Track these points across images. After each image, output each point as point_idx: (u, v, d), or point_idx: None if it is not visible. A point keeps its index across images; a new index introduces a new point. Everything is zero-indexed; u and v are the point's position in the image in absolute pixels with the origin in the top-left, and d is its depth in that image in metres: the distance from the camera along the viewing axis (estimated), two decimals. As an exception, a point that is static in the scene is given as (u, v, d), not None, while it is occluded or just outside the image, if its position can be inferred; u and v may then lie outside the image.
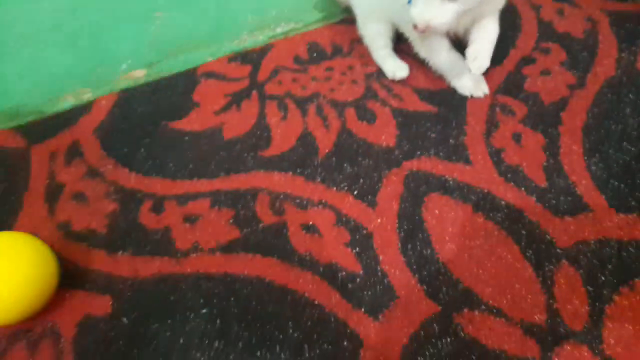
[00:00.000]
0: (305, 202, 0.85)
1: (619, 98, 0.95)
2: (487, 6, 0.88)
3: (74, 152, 0.94)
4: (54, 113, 1.00)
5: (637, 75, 0.98)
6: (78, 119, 0.99)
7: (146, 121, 0.98)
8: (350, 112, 0.98)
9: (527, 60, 1.04)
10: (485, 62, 0.90)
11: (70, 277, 0.78)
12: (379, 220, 0.81)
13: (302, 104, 1.01)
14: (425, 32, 0.81)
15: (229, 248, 0.80)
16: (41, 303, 0.70)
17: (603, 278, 0.73)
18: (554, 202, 0.82)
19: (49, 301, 0.73)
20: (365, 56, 1.08)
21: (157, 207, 0.86)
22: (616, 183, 0.83)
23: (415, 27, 0.80)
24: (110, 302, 0.75)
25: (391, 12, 0.97)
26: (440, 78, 1.01)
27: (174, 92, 1.03)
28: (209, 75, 1.07)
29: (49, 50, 0.92)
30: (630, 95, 0.95)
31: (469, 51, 0.90)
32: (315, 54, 1.10)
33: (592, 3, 1.14)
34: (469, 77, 0.97)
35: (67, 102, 1.01)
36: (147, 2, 0.93)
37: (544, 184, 0.84)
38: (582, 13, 1.12)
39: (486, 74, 1.01)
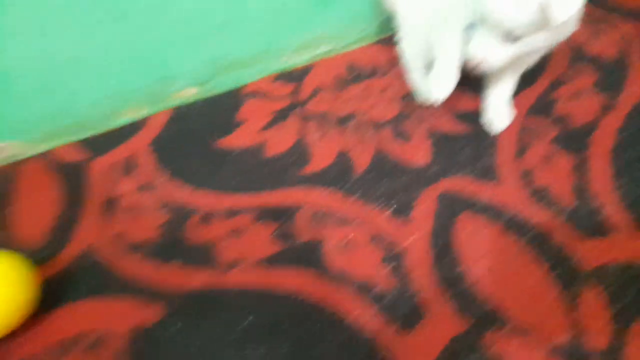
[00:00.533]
0: (343, 218, 0.91)
1: (650, 121, 0.98)
2: (536, 51, 0.88)
3: (131, 165, 1.02)
4: (112, 128, 1.09)
5: (669, 99, 1.01)
6: (135, 133, 1.07)
7: (197, 137, 1.06)
8: (387, 131, 1.03)
9: (559, 82, 1.07)
10: (509, 116, 0.99)
11: (124, 286, 0.85)
12: (413, 237, 0.87)
13: (340, 122, 1.06)
14: (477, 68, 0.83)
15: (270, 262, 0.86)
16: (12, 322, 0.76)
17: (628, 299, 0.77)
18: (582, 223, 0.85)
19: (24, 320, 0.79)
20: (402, 77, 1.13)
21: (206, 219, 0.93)
22: (644, 206, 0.86)
23: (469, 61, 0.83)
24: (162, 310, 0.83)
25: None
26: (473, 97, 1.05)
27: (223, 109, 1.11)
28: (255, 93, 1.14)
29: (113, 68, 1.00)
30: (662, 118, 0.98)
31: (488, 111, 0.99)
32: (354, 74, 1.16)
33: (624, 25, 1.16)
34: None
35: (126, 117, 1.10)
36: (205, 24, 1.01)
37: (572, 205, 0.88)
38: (615, 34, 1.14)
39: (517, 95, 1.05)
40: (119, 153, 1.05)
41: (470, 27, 0.82)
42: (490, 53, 0.80)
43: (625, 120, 0.99)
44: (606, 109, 1.01)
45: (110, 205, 0.97)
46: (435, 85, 0.91)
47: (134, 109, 1.09)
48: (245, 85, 1.16)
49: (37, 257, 0.89)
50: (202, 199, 0.96)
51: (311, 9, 1.10)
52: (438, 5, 0.94)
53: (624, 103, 1.01)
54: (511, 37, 0.78)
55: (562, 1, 0.70)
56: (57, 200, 0.98)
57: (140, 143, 1.06)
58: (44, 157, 1.05)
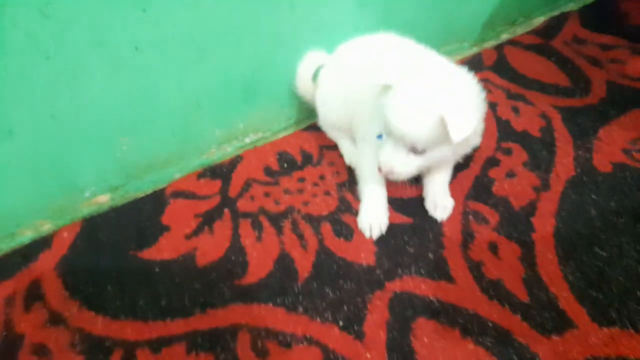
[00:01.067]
0: (289, 339, 0.81)
1: (583, 199, 0.99)
2: (445, 162, 0.95)
3: (34, 294, 0.87)
4: (10, 250, 0.93)
5: (596, 174, 1.03)
6: (38, 254, 0.92)
7: (112, 252, 0.93)
8: (327, 228, 0.97)
9: (492, 162, 1.07)
10: (449, 206, 0.97)
11: None
12: (368, 355, 0.78)
13: (276, 220, 0.99)
14: (387, 176, 0.86)
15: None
16: None
17: (598, 403, 0.73)
18: (539, 319, 0.82)
19: None
20: (336, 164, 1.08)
21: (128, 356, 0.79)
22: (594, 293, 0.85)
23: (379, 168, 0.85)
24: None
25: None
26: (410, 186, 1.02)
27: (142, 216, 0.99)
28: (178, 194, 1.04)
29: (4, 182, 0.86)
30: (593, 196, 0.99)
31: (428, 202, 0.98)
32: (285, 164, 1.09)
33: (543, 99, 1.21)
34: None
35: (25, 236, 0.94)
36: (112, 127, 0.90)
37: (526, 298, 0.84)
38: (535, 110, 1.18)
39: (455, 178, 1.03)
40: (20, 279, 0.89)
41: (380, 137, 0.86)
42: (397, 164, 0.83)
43: (560, 201, 0.99)
44: (540, 189, 1.01)
45: (11, 347, 0.81)
46: (366, 229, 0.95)
47: (34, 226, 0.94)
48: (166, 186, 1.05)
49: None
50: (124, 331, 0.82)
51: (233, 102, 1.04)
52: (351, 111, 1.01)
53: (556, 182, 1.03)
54: (416, 149, 0.82)
55: (458, 123, 0.75)
56: None
57: (44, 265, 0.91)
58: None
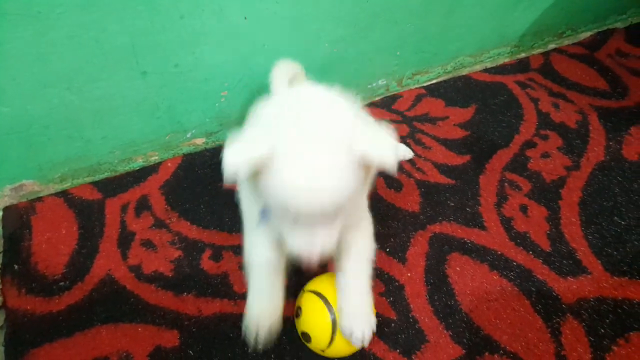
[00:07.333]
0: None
1: (609, 179, 1.12)
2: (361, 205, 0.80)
3: (143, 205, 1.09)
4: (125, 171, 1.16)
5: (623, 161, 1.16)
6: (147, 177, 1.15)
7: (205, 182, 1.14)
8: (380, 181, 1.14)
9: (530, 144, 1.22)
10: (367, 333, 0.75)
11: (142, 313, 0.90)
12: (408, 274, 0.95)
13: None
14: (311, 263, 0.64)
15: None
16: None
17: (602, 330, 0.86)
18: (557, 264, 0.96)
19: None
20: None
21: (217, 255, 0.99)
22: (610, 250, 0.98)
23: (301, 259, 0.65)
24: (178, 336, 0.87)
25: None
26: (456, 155, 1.18)
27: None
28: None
29: (132, 120, 1.09)
30: (618, 178, 1.13)
31: (342, 319, 0.75)
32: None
33: (582, 99, 1.35)
34: None
35: (138, 162, 1.17)
36: (217, 82, 1.12)
37: (548, 249, 0.99)
38: (574, 107, 1.32)
39: (495, 154, 1.19)
40: (132, 193, 1.11)
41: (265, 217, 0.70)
42: (321, 244, 0.64)
43: (588, 179, 1.13)
44: (571, 169, 1.16)
45: (125, 240, 1.02)
46: (251, 332, 0.76)
47: (145, 156, 1.17)
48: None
49: (59, 285, 0.94)
50: (213, 237, 1.02)
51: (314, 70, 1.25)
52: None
53: (586, 165, 1.16)
54: (328, 217, 0.62)
55: (382, 146, 0.59)
56: (75, 235, 1.02)
57: (152, 185, 1.13)
58: (62, 195, 1.10)
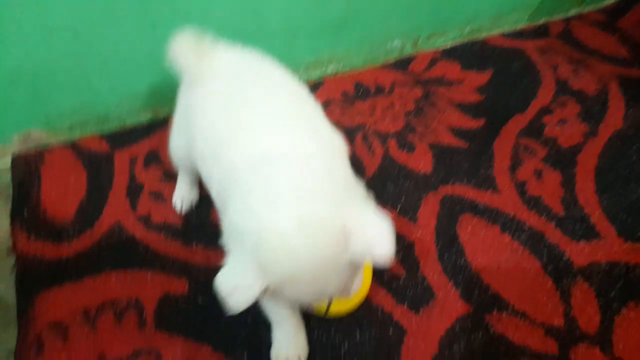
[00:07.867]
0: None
1: (626, 147, 1.10)
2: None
3: (152, 158, 1.08)
4: (132, 126, 1.15)
5: (642, 130, 1.14)
6: (155, 131, 1.14)
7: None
8: (392, 142, 1.12)
9: (546, 111, 1.20)
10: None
11: (151, 260, 0.90)
12: (419, 233, 0.94)
13: (349, 133, 1.15)
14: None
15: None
16: None
17: (613, 293, 0.85)
18: (570, 228, 0.95)
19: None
20: (404, 97, 1.24)
21: (226, 209, 0.98)
22: (624, 216, 0.97)
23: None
24: (187, 284, 0.87)
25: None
26: (471, 118, 1.16)
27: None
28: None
29: (142, 72, 1.07)
30: (636, 146, 1.10)
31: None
32: (360, 92, 1.26)
33: (602, 66, 1.31)
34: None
35: (146, 116, 1.16)
36: (226, 37, 1.09)
37: (562, 213, 0.98)
38: (594, 74, 1.29)
39: (512, 117, 1.16)
40: (141, 146, 1.10)
41: None
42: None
43: (605, 146, 1.11)
44: (588, 135, 1.13)
45: (134, 191, 1.02)
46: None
47: (155, 110, 1.16)
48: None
49: (68, 232, 0.94)
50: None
51: (326, 34, 1.21)
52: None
53: (604, 132, 1.14)
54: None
55: (379, 236, 0.58)
56: (84, 184, 1.02)
57: (161, 139, 1.12)
58: (71, 145, 1.09)
